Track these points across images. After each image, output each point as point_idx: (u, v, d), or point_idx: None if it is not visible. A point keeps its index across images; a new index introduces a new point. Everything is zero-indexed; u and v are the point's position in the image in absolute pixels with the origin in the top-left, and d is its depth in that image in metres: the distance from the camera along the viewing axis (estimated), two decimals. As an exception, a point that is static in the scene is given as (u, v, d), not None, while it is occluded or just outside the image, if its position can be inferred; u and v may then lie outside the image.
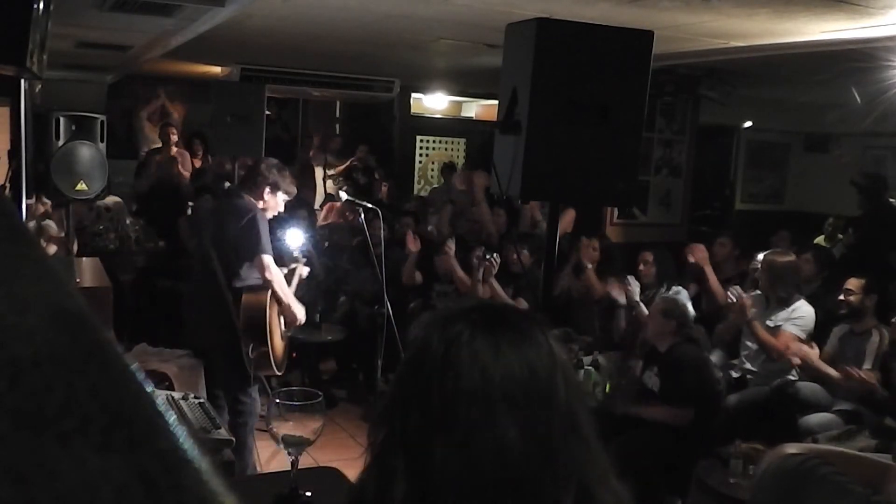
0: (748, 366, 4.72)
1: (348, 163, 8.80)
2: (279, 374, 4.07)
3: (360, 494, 1.03)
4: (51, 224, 5.18)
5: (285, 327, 4.11)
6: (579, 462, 0.96)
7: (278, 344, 3.96)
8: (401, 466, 0.96)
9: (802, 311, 4.63)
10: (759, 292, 4.90)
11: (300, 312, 4.03)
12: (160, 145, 7.99)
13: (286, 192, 3.94)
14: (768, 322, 4.66)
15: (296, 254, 4.21)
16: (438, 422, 0.95)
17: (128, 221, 6.34)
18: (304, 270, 4.25)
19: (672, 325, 4.14)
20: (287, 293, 3.97)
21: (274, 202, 3.91)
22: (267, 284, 3.83)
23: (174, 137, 7.84)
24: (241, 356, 3.72)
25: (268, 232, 3.82)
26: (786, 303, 4.66)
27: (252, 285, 3.84)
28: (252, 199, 3.86)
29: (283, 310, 4.00)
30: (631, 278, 5.11)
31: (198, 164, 7.67)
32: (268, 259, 3.79)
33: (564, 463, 0.95)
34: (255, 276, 3.84)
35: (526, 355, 0.98)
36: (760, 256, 4.96)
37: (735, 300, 4.62)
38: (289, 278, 4.11)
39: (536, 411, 0.95)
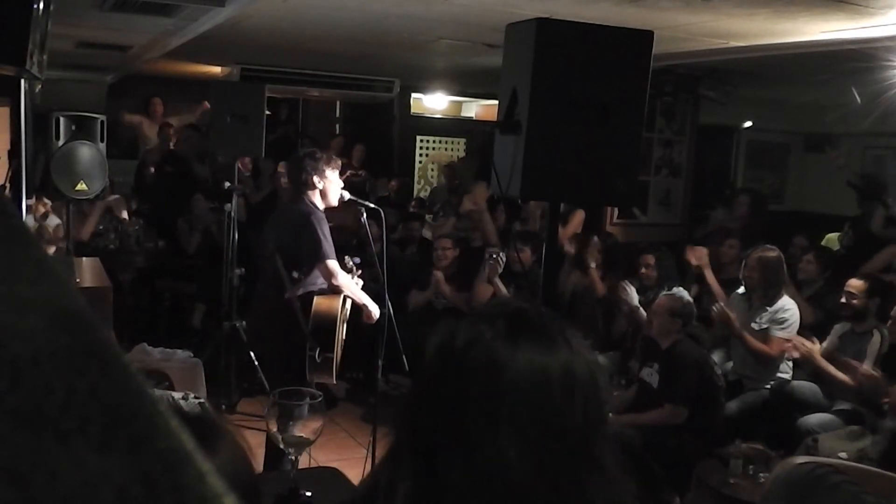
0: (741, 370, 4.74)
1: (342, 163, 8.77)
2: (334, 383, 3.96)
3: (371, 491, 1.02)
4: (50, 225, 5.18)
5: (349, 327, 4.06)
6: (591, 491, 0.92)
7: (338, 352, 3.86)
8: (409, 468, 0.94)
9: (787, 311, 4.64)
10: (740, 291, 4.91)
11: (376, 311, 3.97)
12: (159, 145, 8.02)
13: (333, 169, 3.85)
14: (753, 325, 4.67)
15: (349, 264, 4.12)
16: (445, 427, 0.93)
17: (124, 214, 6.32)
18: (357, 283, 4.12)
19: (678, 324, 4.15)
20: (358, 294, 3.91)
21: (328, 184, 3.81)
22: (335, 290, 3.75)
23: (171, 136, 7.86)
24: (303, 362, 3.61)
25: (327, 233, 3.74)
26: (771, 301, 4.66)
27: (322, 289, 3.76)
28: (308, 198, 3.79)
29: (360, 310, 3.97)
30: (629, 283, 5.10)
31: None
32: (332, 264, 3.70)
33: (572, 492, 0.91)
34: (319, 281, 3.75)
35: (544, 376, 0.94)
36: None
37: (717, 311, 4.67)
38: None
39: (541, 438, 0.91)
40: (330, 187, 3.83)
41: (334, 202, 3.91)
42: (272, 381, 4.03)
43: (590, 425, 0.94)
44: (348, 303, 3.99)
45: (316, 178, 3.79)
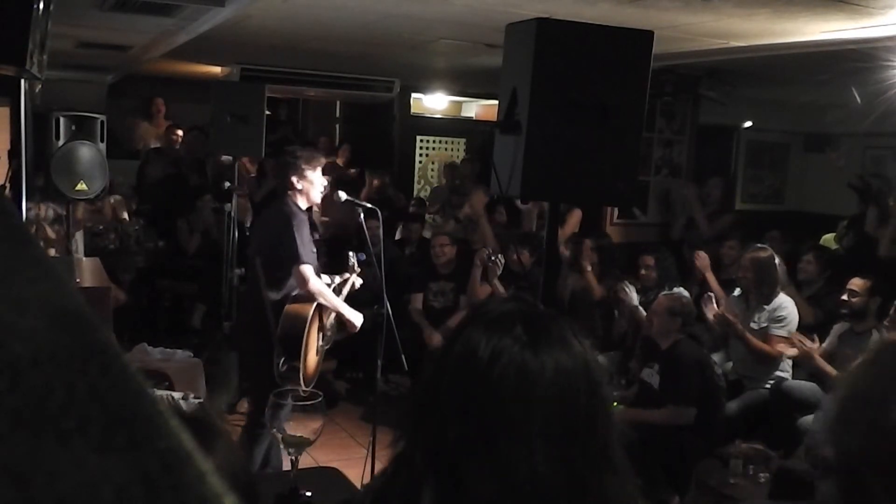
0: (741, 370, 4.74)
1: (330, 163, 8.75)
2: (305, 390, 3.96)
3: (382, 497, 1.01)
4: (49, 226, 5.17)
5: (333, 334, 4.01)
6: (610, 494, 0.93)
7: (312, 360, 3.77)
8: (430, 478, 0.93)
9: (784, 310, 4.66)
10: (737, 293, 4.92)
11: (356, 320, 3.89)
12: (161, 145, 8.02)
13: (314, 168, 3.80)
14: (752, 324, 4.68)
15: (352, 260, 4.07)
16: (475, 441, 0.91)
17: (125, 215, 6.32)
18: (357, 281, 4.08)
19: (677, 323, 4.15)
20: (335, 303, 3.82)
21: (307, 184, 3.76)
22: (308, 297, 3.67)
23: (177, 139, 7.86)
24: (272, 368, 3.56)
25: (306, 237, 3.68)
26: (767, 300, 4.68)
27: (297, 295, 3.67)
28: (291, 199, 3.75)
29: (339, 319, 3.90)
30: (628, 283, 5.10)
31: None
32: (306, 269, 3.61)
33: (595, 492, 0.92)
34: (295, 286, 3.68)
35: (569, 384, 0.94)
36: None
37: (716, 316, 4.68)
38: (339, 289, 3.96)
39: (572, 445, 0.92)
40: (311, 188, 3.80)
41: (316, 201, 3.89)
42: (246, 383, 3.99)
43: (607, 420, 0.96)
44: (329, 311, 3.91)
45: (295, 179, 3.75)
